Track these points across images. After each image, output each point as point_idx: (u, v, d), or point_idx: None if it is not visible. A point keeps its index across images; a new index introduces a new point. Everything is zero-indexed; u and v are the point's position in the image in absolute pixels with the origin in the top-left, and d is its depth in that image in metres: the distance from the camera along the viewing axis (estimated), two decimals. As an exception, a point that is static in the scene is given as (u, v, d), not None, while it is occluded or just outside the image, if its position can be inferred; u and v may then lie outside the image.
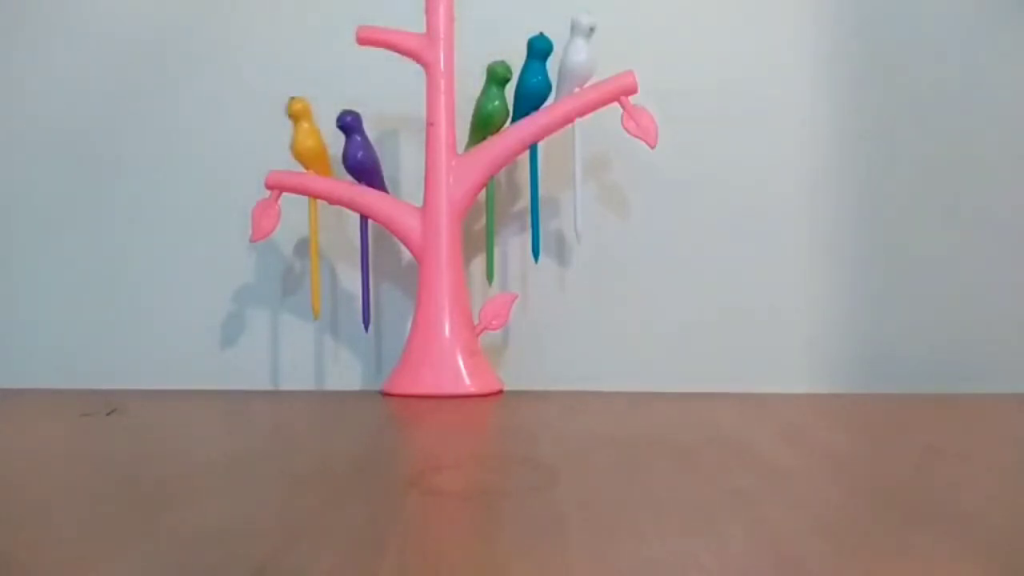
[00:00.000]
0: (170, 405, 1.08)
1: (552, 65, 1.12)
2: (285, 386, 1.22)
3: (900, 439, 0.86)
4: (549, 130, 1.12)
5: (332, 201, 1.14)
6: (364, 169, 1.14)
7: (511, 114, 1.14)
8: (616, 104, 1.10)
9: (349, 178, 1.15)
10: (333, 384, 1.23)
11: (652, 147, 1.09)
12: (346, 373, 1.23)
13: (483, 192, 1.16)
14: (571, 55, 1.10)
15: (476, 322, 1.13)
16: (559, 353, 1.21)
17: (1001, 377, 1.16)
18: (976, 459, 0.76)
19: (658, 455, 0.75)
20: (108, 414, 0.99)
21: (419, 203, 1.13)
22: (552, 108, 1.12)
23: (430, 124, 1.12)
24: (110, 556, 0.49)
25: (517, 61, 1.13)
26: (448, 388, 1.09)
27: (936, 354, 1.18)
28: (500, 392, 1.13)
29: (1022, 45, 1.19)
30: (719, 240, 1.20)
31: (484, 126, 1.14)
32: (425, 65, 1.12)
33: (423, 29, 1.12)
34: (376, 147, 1.16)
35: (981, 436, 0.89)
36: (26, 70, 1.26)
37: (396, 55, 1.13)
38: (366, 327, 1.18)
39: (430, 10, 1.12)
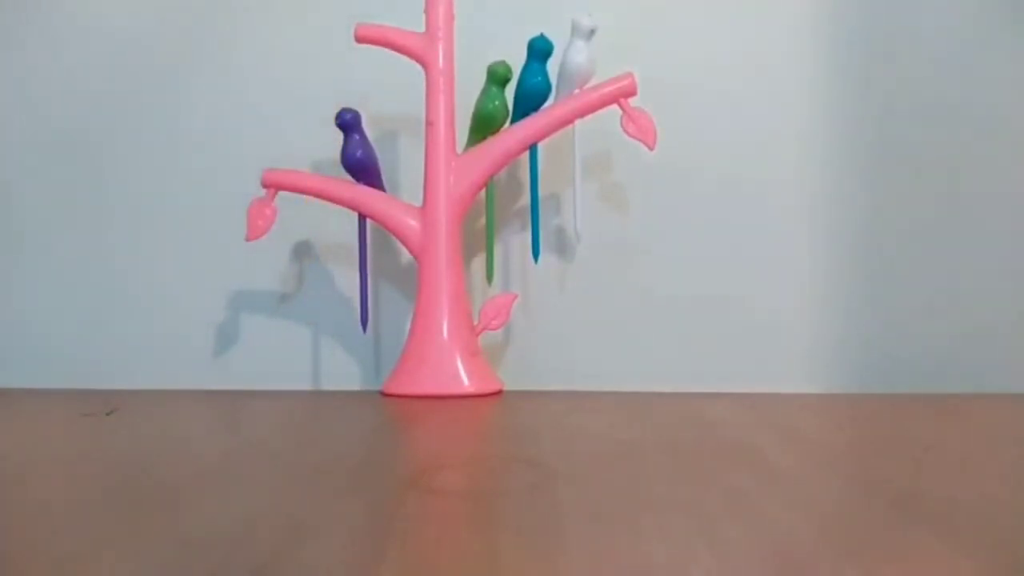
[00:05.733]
0: (169, 405, 1.08)
1: (552, 66, 1.12)
2: (284, 386, 1.22)
3: (899, 439, 0.86)
4: (549, 131, 1.12)
5: (330, 200, 1.14)
6: (363, 168, 1.14)
7: (511, 114, 1.14)
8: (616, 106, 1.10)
9: (348, 177, 1.15)
10: (332, 384, 1.22)
11: (651, 149, 1.09)
12: (345, 373, 1.22)
13: (483, 192, 1.16)
14: (571, 56, 1.10)
15: (476, 322, 1.13)
16: (559, 353, 1.21)
17: (1001, 377, 1.16)
18: (975, 459, 0.76)
19: (658, 455, 0.75)
20: (108, 414, 0.99)
21: (419, 203, 1.13)
22: (552, 109, 1.12)
23: (429, 124, 1.12)
24: (110, 556, 0.49)
25: (517, 61, 1.13)
26: (447, 388, 1.09)
27: (936, 354, 1.18)
28: (500, 392, 1.13)
29: (1023, 45, 1.19)
30: (719, 241, 1.20)
31: (484, 126, 1.14)
32: (424, 64, 1.12)
33: (423, 28, 1.12)
34: (375, 147, 1.16)
35: (980, 436, 0.89)
36: (23, 69, 1.26)
37: (396, 54, 1.13)
38: (364, 327, 1.17)
39: (430, 9, 1.12)
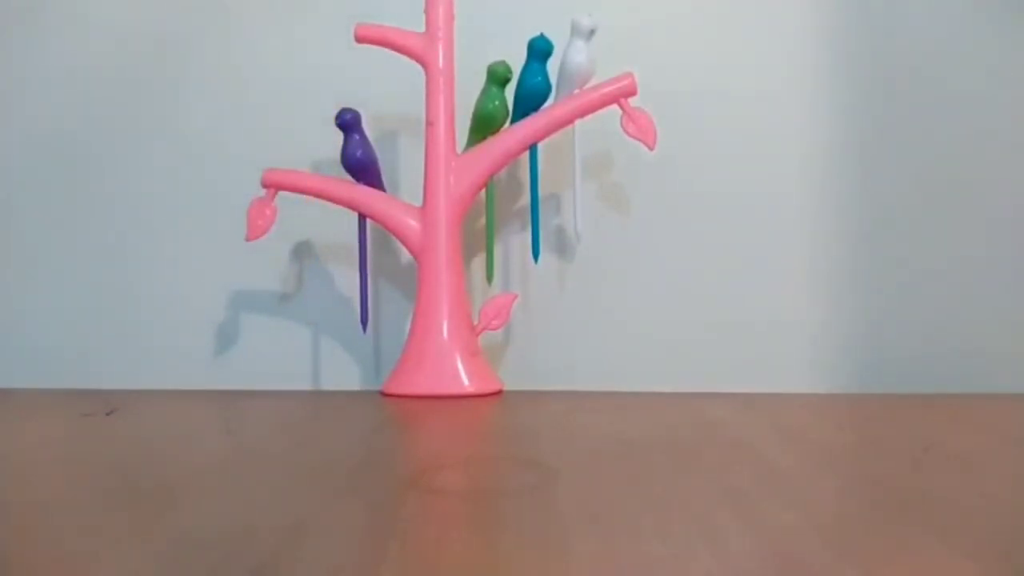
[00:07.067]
0: (169, 405, 1.08)
1: (552, 66, 1.12)
2: (284, 386, 1.22)
3: (899, 439, 0.86)
4: (549, 131, 1.12)
5: (330, 200, 1.14)
6: (363, 168, 1.14)
7: (511, 114, 1.14)
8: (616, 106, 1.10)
9: (348, 177, 1.15)
10: (332, 384, 1.22)
11: (651, 149, 1.09)
12: (345, 373, 1.23)
13: (483, 192, 1.16)
14: (571, 56, 1.10)
15: (476, 322, 1.13)
16: (559, 353, 1.21)
17: (1001, 377, 1.16)
18: (975, 459, 0.76)
19: (658, 455, 0.75)
20: (108, 414, 0.99)
21: (419, 203, 1.13)
22: (552, 109, 1.12)
23: (430, 124, 1.12)
24: (110, 556, 0.49)
25: (517, 61, 1.13)
26: (447, 388, 1.09)
27: (936, 354, 1.18)
28: (500, 392, 1.13)
29: (1022, 45, 1.19)
30: (720, 240, 1.20)
31: (484, 126, 1.14)
32: (424, 64, 1.12)
33: (423, 28, 1.12)
34: (375, 147, 1.16)
35: (980, 436, 0.89)
36: (23, 69, 1.26)
37: (395, 54, 1.13)
38: (364, 327, 1.17)
39: (430, 9, 1.12)
